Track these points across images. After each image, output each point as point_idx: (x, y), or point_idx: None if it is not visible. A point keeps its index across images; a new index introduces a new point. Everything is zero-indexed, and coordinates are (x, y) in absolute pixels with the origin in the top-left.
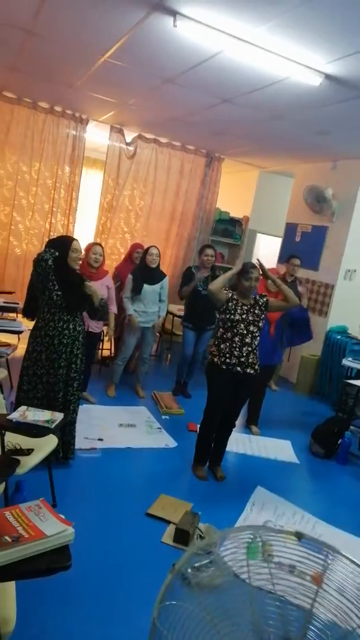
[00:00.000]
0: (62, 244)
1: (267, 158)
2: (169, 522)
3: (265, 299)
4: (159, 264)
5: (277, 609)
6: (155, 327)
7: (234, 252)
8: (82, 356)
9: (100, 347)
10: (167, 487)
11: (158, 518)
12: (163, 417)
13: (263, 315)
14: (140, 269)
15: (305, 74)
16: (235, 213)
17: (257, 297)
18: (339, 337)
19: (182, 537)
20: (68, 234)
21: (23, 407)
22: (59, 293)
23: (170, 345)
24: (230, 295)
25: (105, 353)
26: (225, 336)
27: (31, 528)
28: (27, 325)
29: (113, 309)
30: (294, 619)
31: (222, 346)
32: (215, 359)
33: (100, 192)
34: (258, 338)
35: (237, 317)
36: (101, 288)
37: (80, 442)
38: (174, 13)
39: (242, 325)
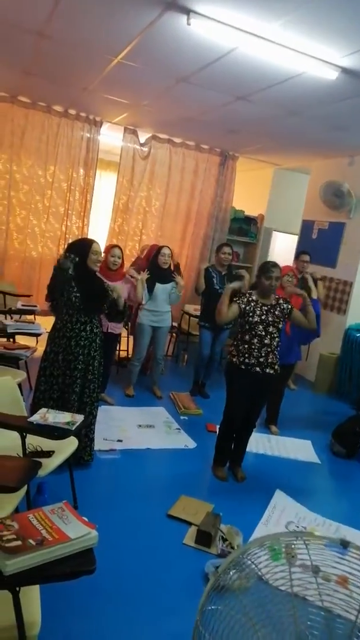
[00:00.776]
0: (82, 247)
1: (283, 155)
2: (190, 524)
3: (290, 307)
4: (170, 265)
5: (322, 619)
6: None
7: (250, 251)
8: (99, 358)
9: (119, 348)
10: (187, 488)
11: (179, 519)
12: (181, 417)
13: (283, 318)
14: (152, 268)
15: (321, 68)
16: (251, 211)
17: (281, 301)
18: (358, 334)
19: (204, 538)
20: (84, 237)
21: (43, 410)
22: (77, 295)
23: (187, 345)
24: (248, 297)
25: (123, 354)
26: (244, 338)
27: (55, 531)
28: (46, 327)
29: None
30: (340, 631)
31: (240, 347)
32: (234, 359)
33: (114, 194)
34: (277, 339)
35: (256, 318)
36: (123, 289)
37: (99, 444)
38: (187, 11)
39: (260, 327)
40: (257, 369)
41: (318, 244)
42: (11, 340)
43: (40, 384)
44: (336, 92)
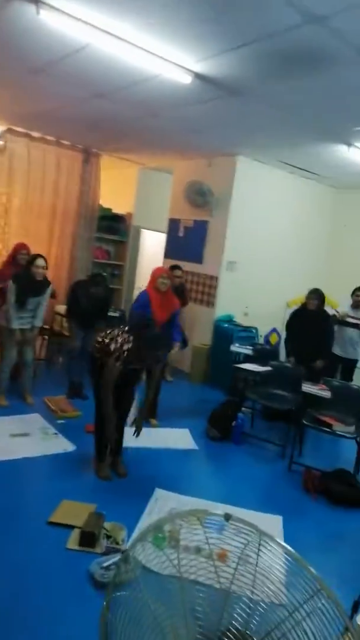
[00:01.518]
0: None
1: (146, 155)
2: (73, 527)
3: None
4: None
5: (207, 595)
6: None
7: (121, 249)
8: None
9: None
10: (68, 491)
11: (61, 525)
12: (59, 421)
13: None
14: (25, 280)
15: (176, 72)
16: (119, 209)
17: None
18: (225, 325)
19: (88, 539)
20: None
21: None
22: None
23: (60, 347)
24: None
25: None
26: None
27: None
28: None
29: None
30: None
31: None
32: (99, 354)
33: None
34: None
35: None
36: None
37: None
38: (35, 1)
39: None
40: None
41: (185, 242)
42: None
43: None
44: (190, 95)
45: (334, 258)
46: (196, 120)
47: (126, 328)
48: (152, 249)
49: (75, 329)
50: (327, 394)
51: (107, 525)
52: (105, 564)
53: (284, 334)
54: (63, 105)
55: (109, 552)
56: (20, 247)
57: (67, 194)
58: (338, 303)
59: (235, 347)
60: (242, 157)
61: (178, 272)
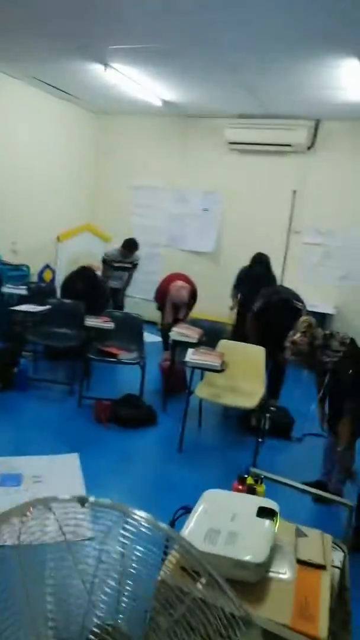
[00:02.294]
0: None
1: None
2: None
3: None
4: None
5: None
6: None
7: None
8: None
9: None
10: None
11: None
12: None
13: None
14: None
15: None
16: None
17: None
18: None
19: None
20: None
21: None
22: None
23: None
24: None
25: None
26: None
27: None
28: None
29: None
30: None
31: None
32: None
33: None
34: None
35: None
36: None
37: None
38: None
39: None
40: None
41: None
42: None
43: None
44: None
45: (99, 188)
46: None
47: None
48: None
49: None
50: (110, 325)
51: None
52: None
53: (59, 270)
54: None
55: None
56: None
57: None
58: (110, 237)
59: (7, 289)
60: None
61: None
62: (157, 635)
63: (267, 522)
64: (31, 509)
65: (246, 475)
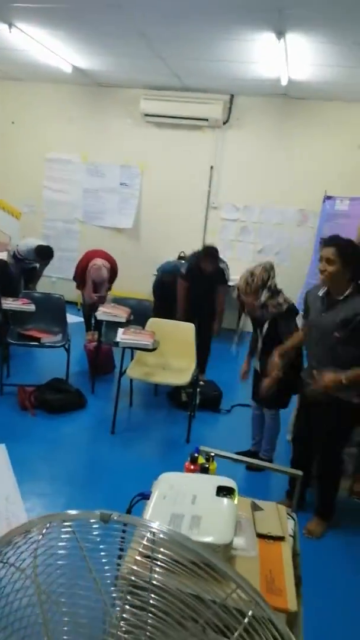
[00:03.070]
0: None
1: None
2: None
3: None
4: None
5: None
6: None
7: None
8: None
9: None
10: None
11: None
12: None
13: None
14: None
15: None
16: None
17: None
18: None
19: None
20: None
21: None
22: None
23: None
24: None
25: None
26: None
27: None
28: None
29: None
30: None
31: None
32: None
33: None
34: None
35: None
36: None
37: None
38: None
39: None
40: None
41: None
42: None
43: None
44: None
45: (6, 159)
46: None
47: None
48: None
49: None
50: (30, 307)
51: None
52: None
53: None
54: None
55: None
56: None
57: None
58: (19, 213)
59: None
60: None
61: None
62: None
63: (227, 500)
64: (48, 525)
65: (197, 455)
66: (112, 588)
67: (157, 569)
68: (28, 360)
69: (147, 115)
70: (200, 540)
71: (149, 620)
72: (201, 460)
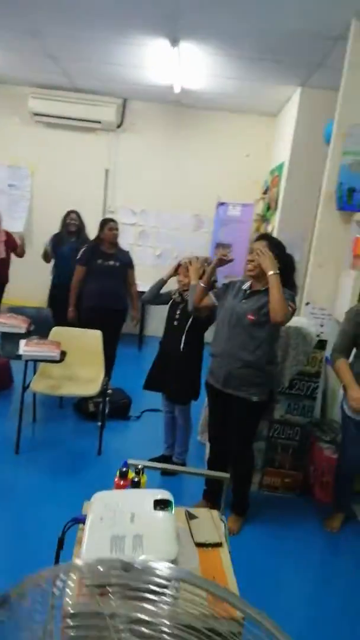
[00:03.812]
0: None
1: None
2: None
3: None
4: None
5: None
6: None
7: None
8: None
9: None
10: None
11: None
12: None
13: None
14: None
15: None
16: None
17: None
18: None
19: None
20: None
21: None
22: None
23: None
24: None
25: None
26: None
27: None
28: None
29: None
30: None
31: None
32: None
33: None
34: None
35: None
36: None
37: None
38: None
39: None
40: None
41: None
42: None
43: None
44: None
45: None
46: None
47: None
48: None
49: None
50: None
51: None
52: None
53: None
54: None
55: None
56: None
57: None
58: None
59: None
60: None
61: None
62: None
63: (166, 514)
64: (61, 575)
65: (125, 469)
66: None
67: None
68: None
69: (36, 114)
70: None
71: None
72: (131, 474)
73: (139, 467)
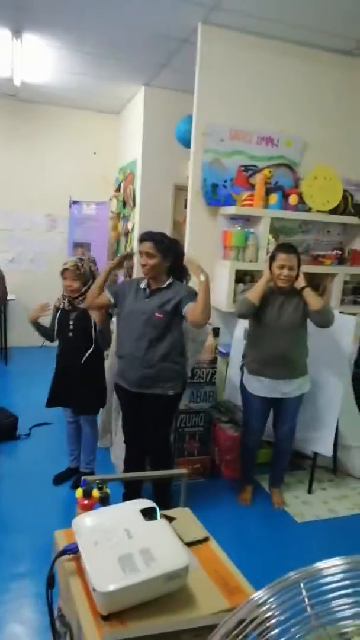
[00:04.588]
0: None
1: None
2: None
3: None
4: None
5: None
6: None
7: None
8: None
9: None
10: None
11: None
12: None
13: None
14: None
15: None
16: None
17: None
18: None
19: None
20: None
21: None
22: None
23: None
24: None
25: None
26: None
27: None
28: None
29: None
30: None
31: None
32: None
33: None
34: None
35: None
36: None
37: None
38: None
39: None
40: None
41: None
42: None
43: None
44: None
45: None
46: None
47: None
48: None
49: None
50: None
51: None
52: None
53: None
54: None
55: None
56: None
57: None
58: None
59: None
60: None
61: None
62: None
63: (160, 522)
64: None
65: (85, 487)
66: None
67: None
68: None
69: None
70: (163, 573)
71: None
72: (95, 493)
73: (96, 481)
